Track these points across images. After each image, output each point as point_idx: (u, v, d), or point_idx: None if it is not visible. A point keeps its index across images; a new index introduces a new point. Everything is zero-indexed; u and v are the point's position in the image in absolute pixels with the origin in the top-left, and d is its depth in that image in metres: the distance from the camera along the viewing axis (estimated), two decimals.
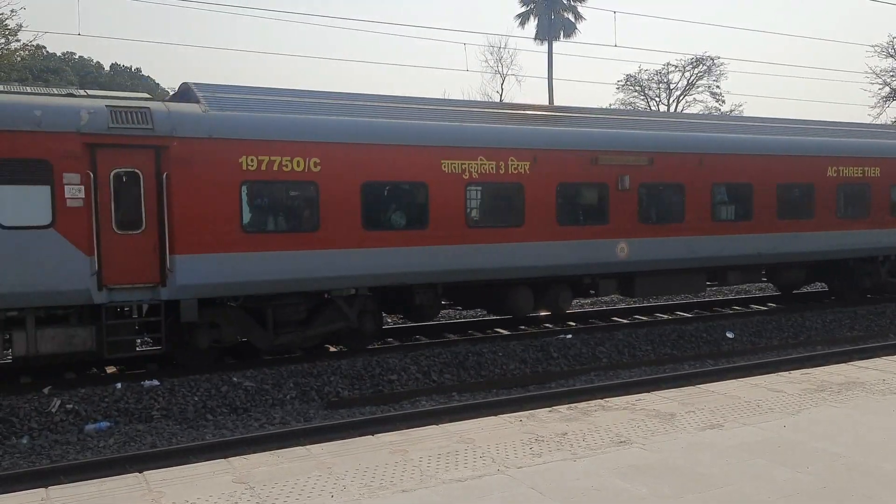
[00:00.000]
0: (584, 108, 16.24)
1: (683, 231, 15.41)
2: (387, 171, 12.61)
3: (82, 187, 10.57)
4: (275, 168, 11.70)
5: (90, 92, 11.04)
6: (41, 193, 10.37)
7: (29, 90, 10.83)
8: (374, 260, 12.46)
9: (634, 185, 14.76)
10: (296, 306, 12.42)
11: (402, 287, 13.07)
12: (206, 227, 11.27)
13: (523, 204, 13.73)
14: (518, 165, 13.61)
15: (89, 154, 10.64)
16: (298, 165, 11.84)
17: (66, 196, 10.49)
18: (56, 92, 10.84)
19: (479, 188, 13.47)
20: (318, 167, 11.99)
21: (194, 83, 12.27)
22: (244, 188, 11.56)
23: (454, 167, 13.07)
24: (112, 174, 10.82)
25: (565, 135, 14.33)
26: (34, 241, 10.36)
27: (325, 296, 12.79)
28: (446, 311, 17.27)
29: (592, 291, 15.56)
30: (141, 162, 10.95)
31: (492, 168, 13.39)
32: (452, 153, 13.07)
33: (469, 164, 13.19)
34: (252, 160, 11.53)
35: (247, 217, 11.65)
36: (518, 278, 14.05)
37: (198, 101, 11.73)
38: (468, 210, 13.32)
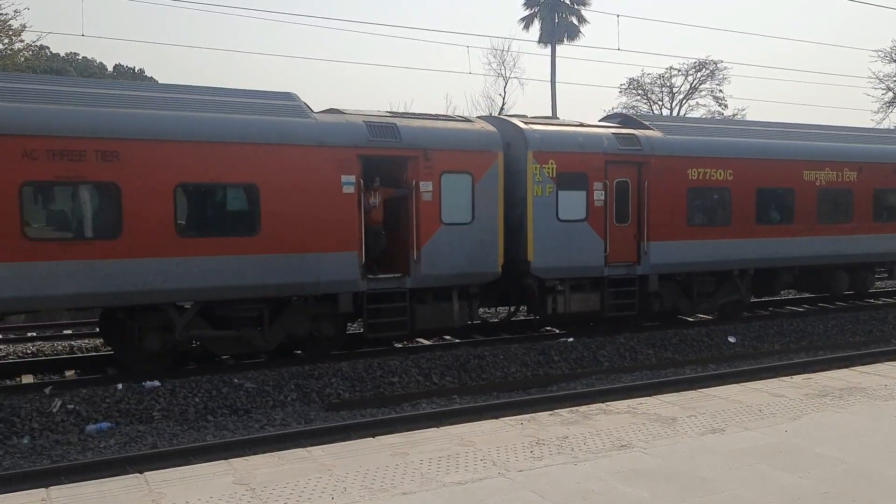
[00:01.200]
0: (888, 129, 19.79)
1: None
2: (771, 180, 16.45)
3: (603, 192, 14.49)
4: (707, 177, 15.64)
5: (599, 122, 15.81)
6: (581, 197, 14.31)
7: (532, 118, 14.92)
8: (760, 248, 16.31)
9: None
10: (709, 282, 16.26)
11: (769, 269, 16.89)
12: (667, 222, 15.19)
13: (852, 204, 17.63)
14: (849, 174, 17.54)
15: (605, 168, 14.50)
16: (720, 175, 15.76)
17: (594, 199, 14.47)
18: (567, 121, 15.19)
19: (825, 192, 17.24)
20: (731, 176, 15.86)
21: (634, 114, 16.30)
22: (689, 193, 15.43)
23: (810, 176, 16.99)
24: (615, 182, 14.71)
25: (881, 150, 18.35)
26: (575, 230, 14.25)
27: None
28: None
29: (886, 275, 19.88)
30: (630, 173, 14.93)
31: (833, 177, 17.32)
32: (810, 165, 17.01)
33: (819, 174, 17.10)
34: (694, 172, 15.46)
35: (690, 213, 15.52)
36: (842, 264, 17.88)
37: (648, 128, 15.57)
38: (818, 209, 17.04)
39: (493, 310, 17.24)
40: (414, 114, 13.95)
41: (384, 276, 12.86)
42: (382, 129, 12.58)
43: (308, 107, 12.52)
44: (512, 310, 16.22)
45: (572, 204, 14.19)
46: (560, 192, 14.04)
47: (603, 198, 14.50)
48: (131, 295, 10.93)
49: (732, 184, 15.87)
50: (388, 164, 12.99)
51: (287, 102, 12.37)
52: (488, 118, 14.88)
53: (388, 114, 13.44)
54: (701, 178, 15.51)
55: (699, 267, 15.81)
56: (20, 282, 10.20)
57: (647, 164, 14.94)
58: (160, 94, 11.59)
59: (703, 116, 48.53)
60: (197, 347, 12.61)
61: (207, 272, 11.26)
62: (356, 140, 12.28)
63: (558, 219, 14.04)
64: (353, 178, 12.18)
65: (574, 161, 14.19)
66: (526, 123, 14.27)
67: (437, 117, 13.82)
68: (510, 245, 13.84)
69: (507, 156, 13.78)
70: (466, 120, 14.17)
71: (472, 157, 13.28)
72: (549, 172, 13.91)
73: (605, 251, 14.60)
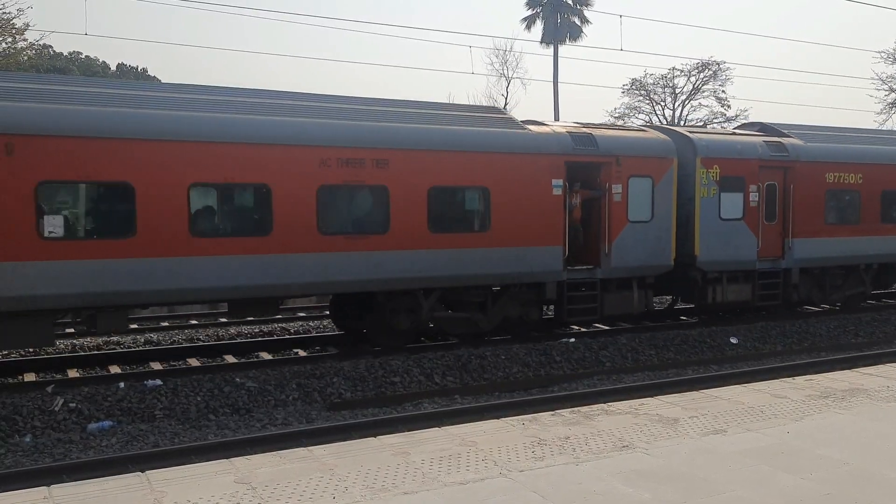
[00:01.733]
0: None
1: None
2: (893, 182, 18.26)
3: (756, 194, 16.22)
4: (841, 181, 17.47)
5: (738, 130, 17.85)
6: (739, 198, 16.04)
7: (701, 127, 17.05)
8: (884, 244, 18.18)
9: None
10: (838, 275, 17.96)
11: (889, 264, 18.74)
12: (807, 220, 16.92)
13: None
14: None
15: (758, 172, 16.24)
16: (852, 179, 17.64)
17: (749, 200, 16.17)
18: (719, 130, 16.63)
19: None
20: (861, 180, 17.72)
21: (772, 123, 18.03)
22: (826, 195, 17.16)
23: None
24: (765, 185, 16.44)
25: None
26: (734, 228, 16.00)
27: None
28: None
29: None
30: (777, 177, 16.64)
31: None
32: None
33: None
34: (831, 175, 17.28)
35: (827, 213, 17.31)
36: None
37: (788, 136, 17.24)
38: None
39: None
40: (599, 124, 16.05)
41: (580, 267, 14.72)
42: (583, 139, 14.45)
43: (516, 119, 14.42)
44: (674, 298, 17.83)
45: (732, 204, 15.96)
46: (722, 194, 15.84)
47: (756, 199, 16.28)
48: (394, 281, 12.81)
49: (862, 187, 17.73)
50: (583, 169, 14.63)
51: (501, 116, 14.42)
52: (656, 127, 16.49)
53: (580, 125, 15.19)
54: (836, 181, 17.32)
55: (833, 261, 17.52)
56: (316, 270, 12.09)
57: (792, 168, 16.67)
58: (419, 111, 13.45)
59: (706, 117, 48.54)
60: (431, 327, 14.38)
61: (450, 262, 13.15)
62: (564, 148, 14.16)
63: (720, 217, 15.80)
64: (561, 182, 14.08)
65: (734, 166, 15.97)
66: (691, 133, 16.13)
67: (618, 127, 15.80)
68: (678, 240, 15.51)
69: (677, 161, 15.42)
70: (641, 129, 16.02)
71: (653, 162, 15.12)
72: (713, 176, 15.73)
73: (758, 247, 16.31)
